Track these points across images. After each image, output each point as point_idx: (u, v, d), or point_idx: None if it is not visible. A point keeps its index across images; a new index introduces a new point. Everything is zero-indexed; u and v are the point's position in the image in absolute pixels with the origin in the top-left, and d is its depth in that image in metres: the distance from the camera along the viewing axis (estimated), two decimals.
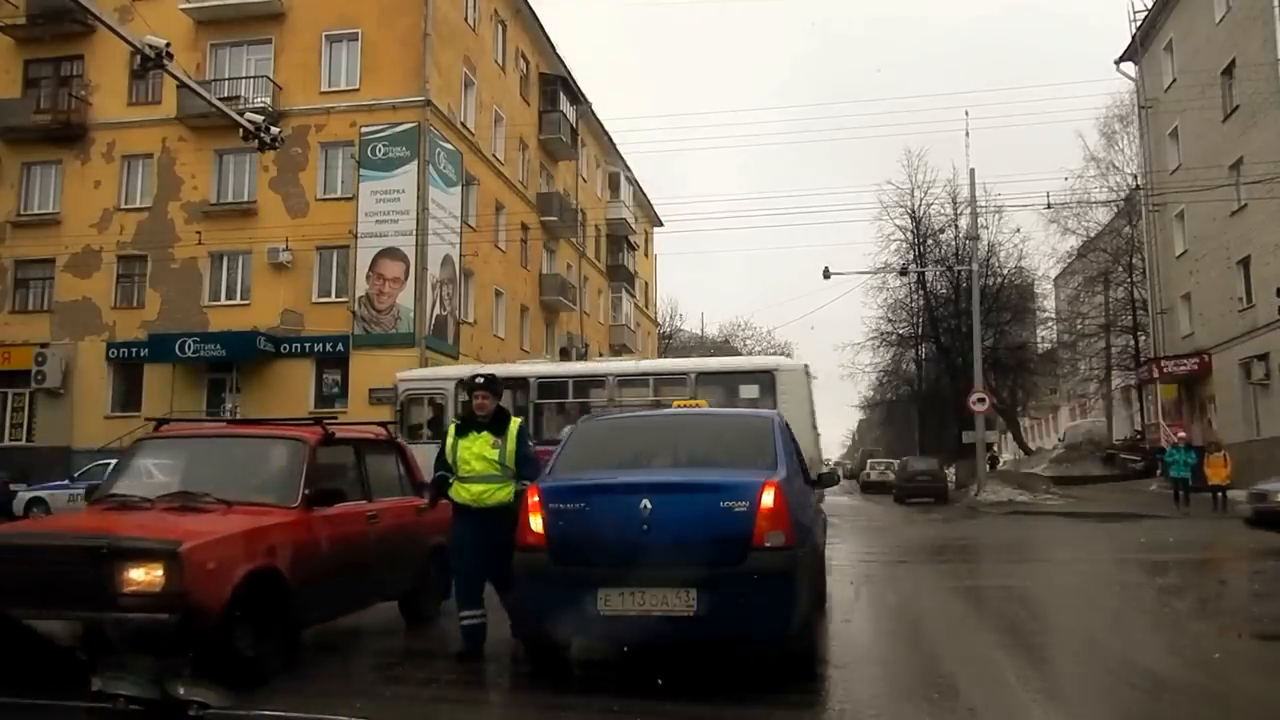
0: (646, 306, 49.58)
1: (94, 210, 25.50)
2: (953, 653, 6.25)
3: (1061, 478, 31.17)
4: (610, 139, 40.57)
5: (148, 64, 11.34)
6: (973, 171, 40.14)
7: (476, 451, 5.82)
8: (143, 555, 4.63)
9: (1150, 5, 29.54)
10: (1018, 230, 43.00)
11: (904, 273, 35.01)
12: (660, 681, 4.85)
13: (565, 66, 34.72)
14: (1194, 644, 6.44)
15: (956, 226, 36.16)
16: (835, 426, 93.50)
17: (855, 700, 4.97)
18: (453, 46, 26.30)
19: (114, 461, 8.09)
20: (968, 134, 41.95)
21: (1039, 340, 44.18)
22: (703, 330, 61.36)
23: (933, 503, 28.15)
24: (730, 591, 4.70)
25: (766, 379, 14.52)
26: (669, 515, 4.82)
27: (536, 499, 5.08)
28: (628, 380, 15.82)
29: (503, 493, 5.77)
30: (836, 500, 29.56)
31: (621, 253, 42.87)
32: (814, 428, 15.24)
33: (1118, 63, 31.11)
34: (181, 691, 1.50)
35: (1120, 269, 36.58)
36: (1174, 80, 28.30)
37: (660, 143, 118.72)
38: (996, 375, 36.58)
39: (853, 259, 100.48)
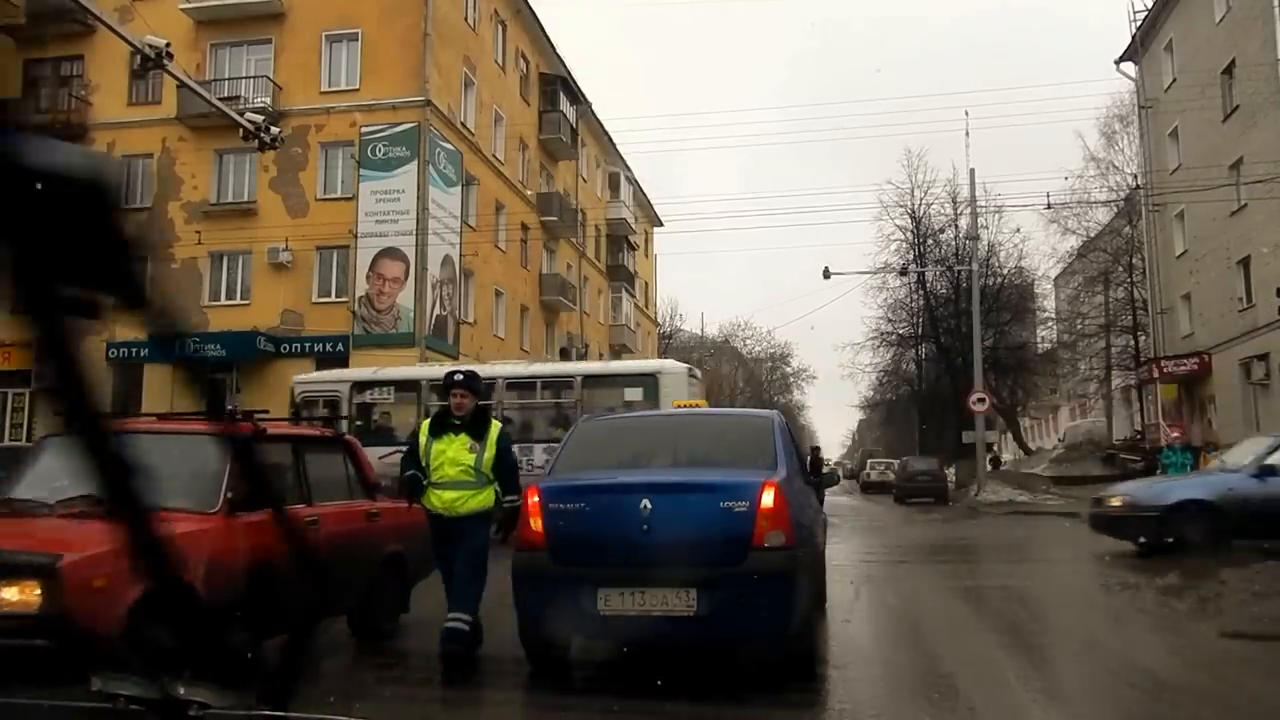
0: (646, 306, 49.59)
1: None
2: (953, 653, 6.25)
3: (1061, 478, 31.12)
4: (610, 139, 40.58)
5: (148, 64, 11.37)
6: (973, 171, 40.14)
7: (451, 456, 5.43)
8: (15, 571, 4.04)
9: (1150, 5, 29.53)
10: (1018, 230, 43.02)
11: (904, 273, 35.03)
12: (660, 681, 4.84)
13: (565, 66, 34.72)
14: (1194, 644, 6.44)
15: (956, 226, 36.22)
16: (835, 426, 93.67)
17: (855, 700, 4.97)
18: (453, 46, 26.30)
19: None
20: (968, 134, 42.09)
21: (1039, 340, 44.19)
22: (703, 330, 61.43)
23: (933, 503, 28.15)
24: (730, 592, 4.71)
25: (651, 381, 14.95)
26: (669, 515, 4.83)
27: (536, 499, 5.09)
28: (515, 384, 15.88)
29: (477, 500, 5.43)
30: (836, 500, 29.49)
31: (621, 253, 42.87)
32: None
33: (1118, 63, 31.11)
34: (182, 691, 1.49)
35: (1120, 269, 36.54)
36: (1174, 80, 28.29)
37: (660, 143, 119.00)
38: (996, 375, 36.58)
39: (853, 259, 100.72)
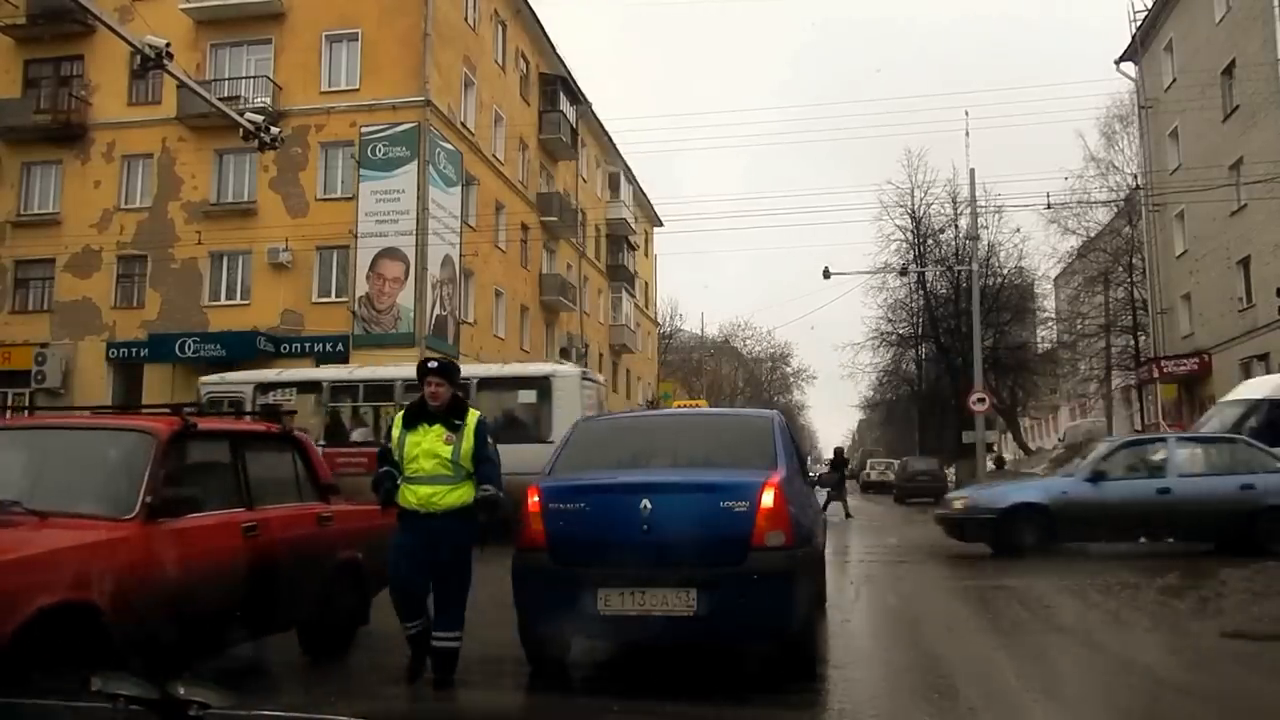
0: (646, 306, 49.61)
1: (94, 210, 25.50)
2: (953, 653, 6.25)
3: None
4: (610, 139, 40.59)
5: (148, 64, 11.37)
6: (973, 171, 40.14)
7: (427, 448, 5.02)
8: None
9: (1150, 5, 29.54)
10: (1018, 230, 42.95)
11: (904, 273, 35.00)
12: (660, 681, 4.84)
13: (565, 66, 34.72)
14: (1194, 644, 6.44)
15: (956, 226, 36.17)
16: (835, 426, 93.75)
17: (855, 700, 4.97)
18: (453, 46, 26.30)
19: None
20: (968, 134, 42.26)
21: (1039, 340, 44.17)
22: (703, 330, 61.48)
23: (933, 503, 28.08)
24: (730, 592, 4.70)
25: (544, 384, 14.84)
26: (669, 515, 4.83)
27: (537, 499, 5.08)
28: (411, 386, 15.72)
29: (455, 495, 5.02)
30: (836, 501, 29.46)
31: (621, 253, 42.88)
32: None
33: (1118, 63, 31.12)
34: (182, 691, 1.49)
35: (1120, 269, 36.54)
36: (1174, 80, 28.30)
37: (660, 143, 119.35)
38: (996, 375, 36.56)
39: (853, 259, 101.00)
